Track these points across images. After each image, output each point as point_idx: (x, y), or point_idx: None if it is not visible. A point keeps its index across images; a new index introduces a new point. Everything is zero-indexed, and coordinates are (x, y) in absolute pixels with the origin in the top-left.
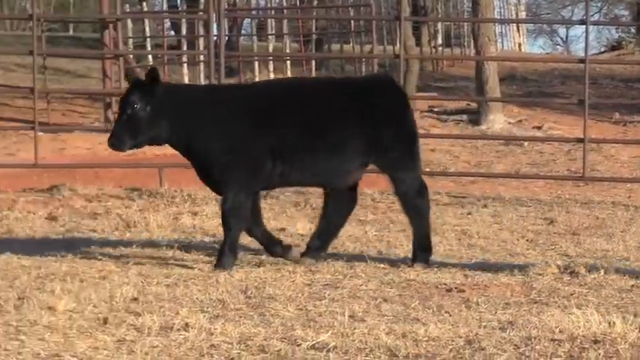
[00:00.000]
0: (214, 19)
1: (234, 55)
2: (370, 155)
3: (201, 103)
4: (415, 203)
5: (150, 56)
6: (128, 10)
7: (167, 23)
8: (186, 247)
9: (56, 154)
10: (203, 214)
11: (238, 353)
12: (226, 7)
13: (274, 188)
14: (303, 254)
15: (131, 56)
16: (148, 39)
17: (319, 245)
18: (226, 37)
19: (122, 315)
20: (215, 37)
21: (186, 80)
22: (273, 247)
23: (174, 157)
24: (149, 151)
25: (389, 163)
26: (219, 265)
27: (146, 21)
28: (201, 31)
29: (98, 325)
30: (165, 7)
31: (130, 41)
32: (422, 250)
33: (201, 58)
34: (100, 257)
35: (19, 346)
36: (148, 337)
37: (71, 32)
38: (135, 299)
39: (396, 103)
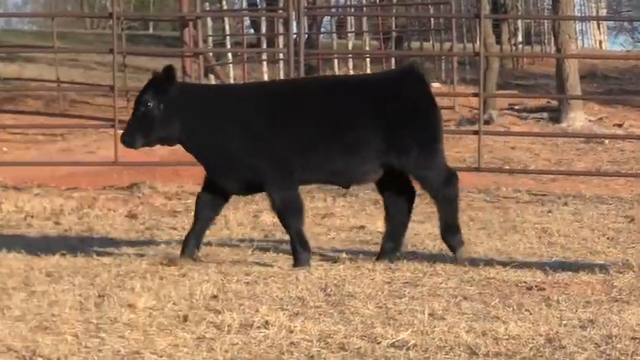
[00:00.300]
0: (294, 17)
1: (314, 53)
2: (389, 155)
3: (216, 102)
4: (443, 193)
5: (229, 54)
6: (208, 9)
7: (247, 21)
8: (266, 244)
9: (136, 152)
10: None
11: (318, 351)
12: (306, 5)
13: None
14: (377, 258)
15: (211, 54)
16: (228, 37)
17: (392, 246)
18: (306, 35)
19: (202, 312)
20: (295, 35)
21: (265, 78)
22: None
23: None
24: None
25: (409, 163)
26: (298, 263)
27: (226, 19)
28: (281, 29)
29: (178, 322)
30: (245, 5)
31: (210, 39)
32: (453, 235)
33: (281, 56)
34: (178, 254)
35: (100, 343)
36: (227, 334)
37: (151, 30)
38: (215, 297)
39: (418, 98)
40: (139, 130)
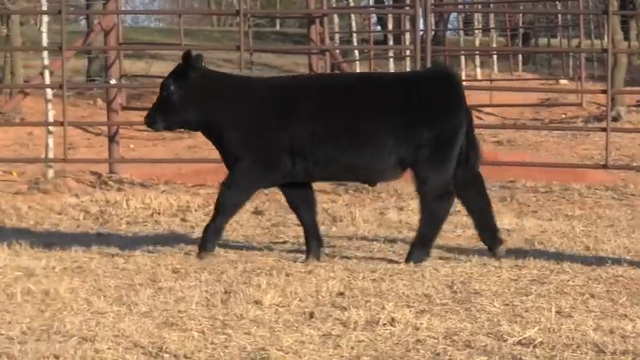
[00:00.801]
0: (421, 13)
1: (441, 50)
2: (402, 152)
3: (234, 91)
4: (432, 206)
5: (356, 51)
6: (335, 5)
7: (373, 18)
8: (392, 241)
9: None
10: (409, 209)
11: (444, 348)
12: (433, 1)
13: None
14: (493, 255)
15: (337, 51)
16: (355, 34)
17: (490, 237)
18: (433, 32)
19: (328, 309)
20: (421, 32)
21: None
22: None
23: None
24: None
25: (417, 161)
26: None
27: (352, 16)
28: (408, 26)
29: (304, 319)
30: (371, 2)
31: (337, 36)
32: (420, 248)
33: (407, 52)
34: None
35: (226, 339)
36: (353, 331)
37: (278, 27)
38: (341, 294)
39: (439, 99)
40: (160, 113)
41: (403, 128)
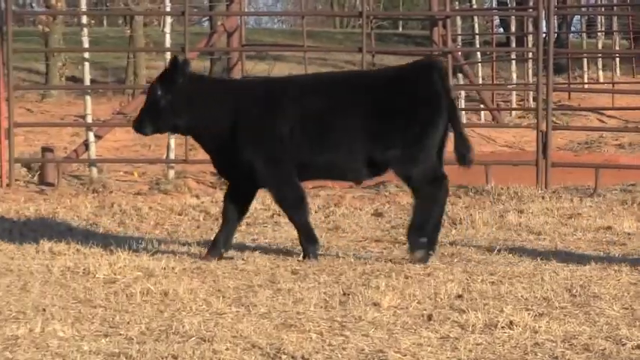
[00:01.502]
0: (544, 15)
1: (563, 52)
2: (375, 150)
3: (220, 95)
4: (425, 191)
5: (478, 53)
6: (457, 8)
7: (496, 20)
8: (512, 244)
9: None
10: (529, 211)
11: (562, 352)
12: (556, 3)
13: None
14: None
15: (459, 53)
16: (477, 36)
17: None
18: (555, 34)
19: (446, 312)
20: (544, 34)
21: (514, 78)
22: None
23: (501, 154)
24: (476, 149)
25: (393, 160)
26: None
27: (475, 18)
28: (530, 28)
29: (422, 321)
30: (494, 4)
31: (459, 38)
32: (417, 236)
33: (530, 55)
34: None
35: (344, 341)
36: (472, 334)
37: (400, 29)
38: (459, 296)
39: (418, 94)
40: (148, 117)
41: (378, 125)
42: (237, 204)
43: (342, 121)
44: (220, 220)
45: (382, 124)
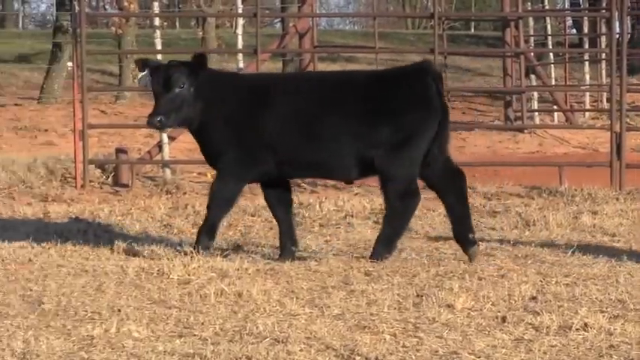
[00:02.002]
0: (617, 16)
1: (637, 53)
2: (365, 148)
3: (228, 91)
4: (396, 205)
5: (551, 54)
6: (530, 8)
7: (569, 21)
8: (586, 246)
9: (456, 152)
10: (603, 213)
11: (638, 354)
12: (629, 4)
13: (273, 179)
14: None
15: (532, 54)
16: (549, 37)
17: (462, 231)
18: (629, 35)
19: (520, 314)
20: (617, 35)
21: (587, 79)
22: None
23: (574, 156)
24: (549, 150)
25: (379, 157)
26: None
27: (547, 19)
28: (603, 29)
29: (496, 323)
30: (567, 5)
31: (532, 39)
32: (383, 247)
33: (603, 56)
34: (498, 255)
35: (417, 343)
36: (546, 336)
37: (472, 30)
38: (533, 298)
39: (406, 96)
40: (171, 110)
41: (365, 126)
42: (277, 199)
43: (331, 118)
44: (276, 223)
45: (372, 123)
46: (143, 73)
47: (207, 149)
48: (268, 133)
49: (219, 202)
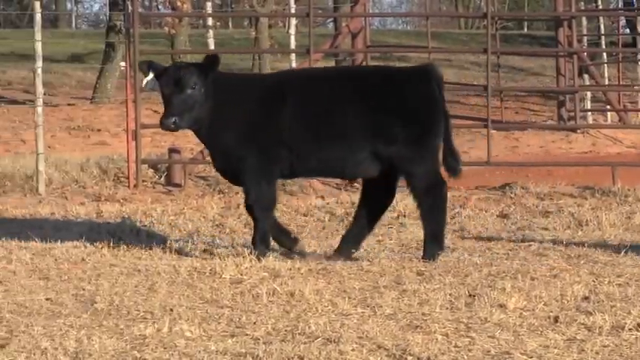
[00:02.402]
0: None
1: None
2: (377, 145)
3: (232, 92)
4: (426, 199)
5: (604, 54)
6: (583, 8)
7: (622, 21)
8: (639, 246)
9: (509, 152)
10: None
11: None
12: None
13: (286, 178)
14: (336, 250)
15: (585, 54)
16: (603, 37)
17: (353, 241)
18: None
19: (573, 314)
20: None
21: None
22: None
23: (627, 155)
24: (602, 150)
25: (397, 156)
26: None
27: (601, 18)
28: None
29: (549, 323)
30: (620, 4)
31: (585, 39)
32: (432, 244)
33: None
34: (551, 255)
35: (469, 343)
36: (598, 336)
37: (525, 30)
38: (586, 298)
39: (416, 96)
40: (184, 111)
41: (380, 123)
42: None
43: (346, 115)
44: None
45: (377, 121)
46: (149, 77)
47: (221, 153)
48: (284, 131)
49: (263, 209)
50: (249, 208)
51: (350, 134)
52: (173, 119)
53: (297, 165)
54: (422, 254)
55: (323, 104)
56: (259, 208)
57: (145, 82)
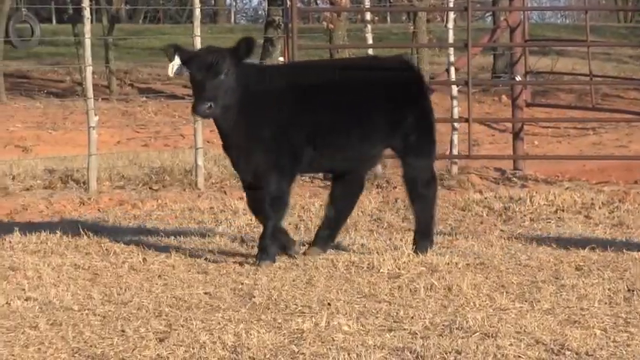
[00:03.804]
0: None
1: None
2: (393, 139)
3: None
4: (421, 192)
5: None
6: None
7: None
8: None
9: None
10: None
11: None
12: None
13: (305, 173)
14: (312, 244)
15: None
16: None
17: (327, 235)
18: None
19: None
20: None
21: None
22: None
23: None
24: None
25: (406, 148)
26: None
27: None
28: None
29: None
30: None
31: None
32: (421, 239)
33: None
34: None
35: (628, 338)
36: None
37: None
38: None
39: (415, 87)
40: (218, 97)
41: (392, 115)
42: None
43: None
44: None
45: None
46: (176, 63)
47: (249, 148)
48: (307, 125)
49: (279, 209)
50: (259, 206)
51: (375, 129)
52: (208, 104)
53: (317, 161)
54: (414, 248)
55: (348, 98)
56: (276, 208)
57: (170, 67)
